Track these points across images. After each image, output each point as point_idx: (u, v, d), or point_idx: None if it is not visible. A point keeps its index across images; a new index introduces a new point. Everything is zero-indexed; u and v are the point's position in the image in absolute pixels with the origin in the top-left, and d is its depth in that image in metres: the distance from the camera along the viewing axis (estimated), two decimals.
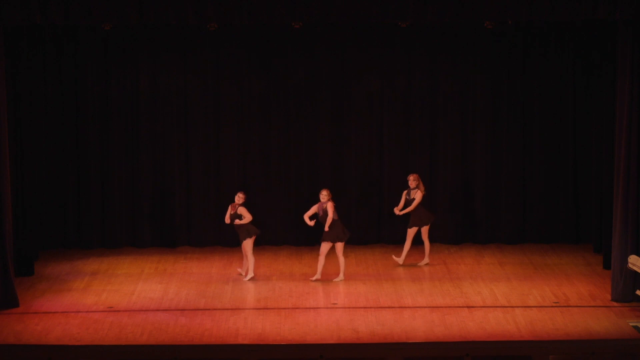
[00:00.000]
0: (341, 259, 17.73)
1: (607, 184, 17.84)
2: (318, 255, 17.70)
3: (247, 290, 17.26)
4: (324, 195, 17.63)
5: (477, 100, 19.81)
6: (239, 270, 18.18)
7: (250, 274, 17.80)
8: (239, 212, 17.75)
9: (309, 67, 19.68)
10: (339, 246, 17.63)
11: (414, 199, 18.44)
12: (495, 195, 19.99)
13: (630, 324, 15.43)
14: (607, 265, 17.78)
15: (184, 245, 19.97)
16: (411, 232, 18.61)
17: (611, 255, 16.75)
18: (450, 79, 19.76)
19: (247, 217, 17.68)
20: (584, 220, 19.85)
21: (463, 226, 20.08)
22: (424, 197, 18.53)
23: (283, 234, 20.01)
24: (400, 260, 18.60)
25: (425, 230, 18.61)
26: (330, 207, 17.53)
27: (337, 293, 17.10)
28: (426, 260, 18.68)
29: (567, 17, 15.99)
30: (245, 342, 14.81)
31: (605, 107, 18.04)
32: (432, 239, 19.82)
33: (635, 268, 15.98)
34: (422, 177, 19.25)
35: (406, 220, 18.67)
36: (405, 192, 18.57)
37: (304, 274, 18.05)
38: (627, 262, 16.14)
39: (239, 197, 17.84)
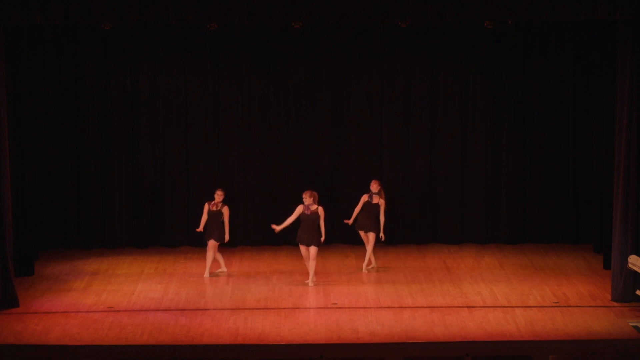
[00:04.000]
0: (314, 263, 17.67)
1: (607, 184, 17.84)
2: (310, 259, 17.59)
3: (247, 290, 17.26)
4: (310, 197, 17.50)
5: (477, 100, 19.81)
6: (219, 271, 18.30)
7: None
8: (223, 210, 17.90)
9: (309, 67, 19.68)
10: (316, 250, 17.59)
11: (376, 204, 18.26)
12: (495, 195, 19.98)
13: (630, 324, 15.43)
14: (607, 265, 17.78)
15: (184, 245, 19.96)
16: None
17: (611, 255, 16.75)
18: (450, 79, 19.76)
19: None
20: (584, 220, 19.85)
21: (463, 226, 20.08)
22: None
23: (283, 234, 19.96)
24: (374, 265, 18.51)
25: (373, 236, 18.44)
26: (321, 211, 17.46)
27: (337, 293, 17.09)
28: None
29: (567, 17, 15.98)
30: (245, 342, 14.81)
31: (605, 107, 18.05)
32: (432, 239, 19.89)
33: (635, 268, 15.98)
34: (422, 177, 19.30)
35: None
36: (366, 195, 18.35)
37: (304, 274, 18.03)
38: (627, 262, 16.14)
39: (221, 195, 18.03)
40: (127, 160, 19.75)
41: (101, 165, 19.73)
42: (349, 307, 16.36)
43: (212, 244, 17.99)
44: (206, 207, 18.05)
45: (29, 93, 18.35)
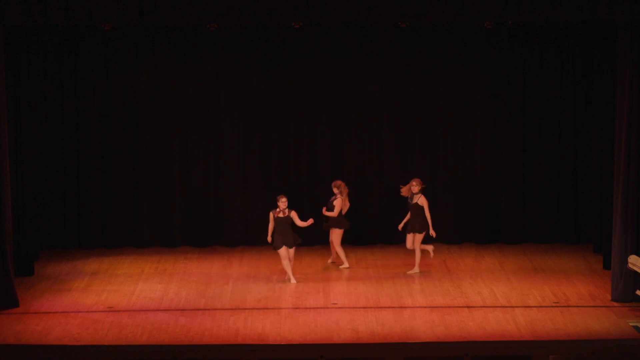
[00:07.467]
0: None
1: (607, 184, 17.85)
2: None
3: (247, 290, 17.27)
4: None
5: (477, 100, 19.81)
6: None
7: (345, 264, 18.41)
8: (292, 215, 17.64)
9: (309, 67, 19.68)
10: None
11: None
12: (495, 195, 19.99)
13: (630, 324, 15.44)
14: (607, 265, 17.79)
15: (184, 245, 19.97)
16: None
17: (611, 255, 16.76)
18: (450, 79, 19.76)
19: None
20: (584, 220, 19.85)
21: (463, 226, 20.08)
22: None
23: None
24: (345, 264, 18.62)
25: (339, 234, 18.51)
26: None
27: (337, 293, 17.10)
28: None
29: (567, 17, 16.01)
30: (245, 342, 14.81)
31: (605, 107, 18.05)
32: (432, 239, 19.90)
33: (635, 268, 15.99)
34: (422, 177, 19.27)
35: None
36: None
37: (304, 273, 18.06)
38: (627, 262, 16.15)
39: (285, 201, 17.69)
40: (127, 160, 19.75)
41: (101, 165, 19.73)
42: (349, 307, 16.36)
43: (283, 252, 17.66)
44: (271, 216, 17.65)
45: (29, 93, 18.35)
